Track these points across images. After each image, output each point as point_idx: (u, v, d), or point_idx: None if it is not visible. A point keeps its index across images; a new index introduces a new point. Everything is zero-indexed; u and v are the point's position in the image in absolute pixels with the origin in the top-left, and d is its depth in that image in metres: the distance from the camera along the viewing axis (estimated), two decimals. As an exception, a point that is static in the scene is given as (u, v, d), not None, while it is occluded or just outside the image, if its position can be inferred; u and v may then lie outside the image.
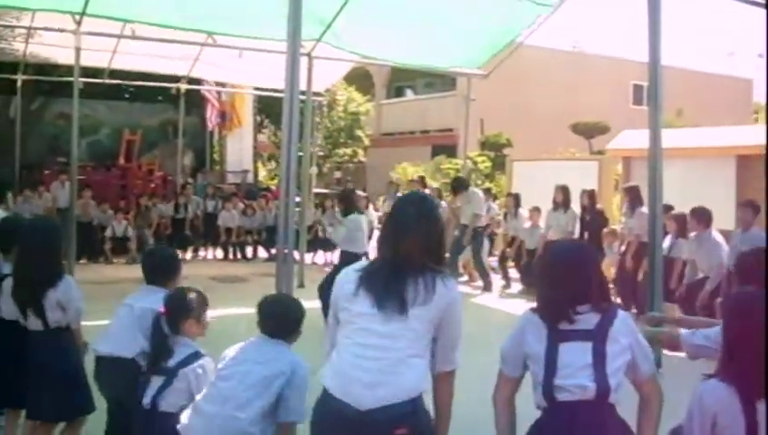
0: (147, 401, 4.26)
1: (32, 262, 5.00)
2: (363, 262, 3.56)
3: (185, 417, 3.94)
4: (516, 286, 14.30)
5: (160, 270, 4.94)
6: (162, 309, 4.32)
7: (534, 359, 3.38)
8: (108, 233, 16.90)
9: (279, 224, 5.19)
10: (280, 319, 4.06)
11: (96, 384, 4.93)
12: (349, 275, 3.46)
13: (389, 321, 3.27)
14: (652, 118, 7.44)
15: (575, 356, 3.30)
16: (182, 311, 4.33)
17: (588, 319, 3.36)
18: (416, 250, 3.37)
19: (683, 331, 3.94)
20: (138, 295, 4.88)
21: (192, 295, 4.40)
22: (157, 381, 4.26)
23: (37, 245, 5.05)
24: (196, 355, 4.28)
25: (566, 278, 3.43)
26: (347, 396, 3.24)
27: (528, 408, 3.44)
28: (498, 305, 12.55)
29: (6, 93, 22.00)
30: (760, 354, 3.17)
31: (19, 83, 18.93)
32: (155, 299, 4.55)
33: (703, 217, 9.94)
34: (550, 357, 3.32)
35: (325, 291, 10.10)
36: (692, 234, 10.14)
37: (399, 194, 15.23)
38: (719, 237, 9.93)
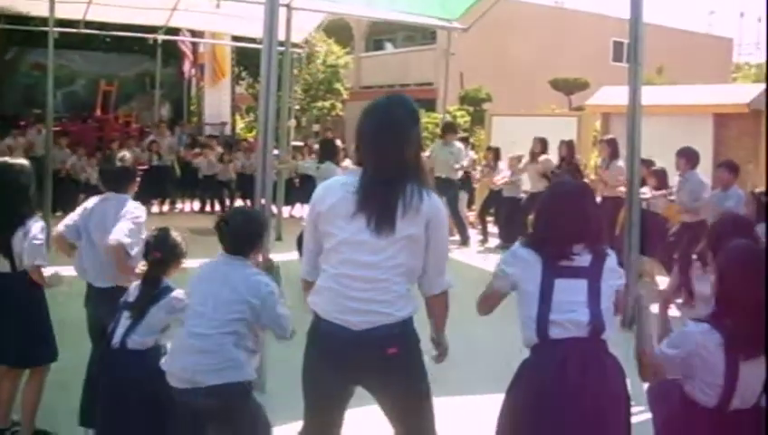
0: (116, 340, 4.28)
1: (0, 203, 4.95)
2: (344, 178, 3.50)
3: (169, 348, 3.95)
4: (494, 241, 14.32)
5: (115, 175, 5.00)
6: (156, 254, 4.30)
7: (526, 295, 3.41)
8: (83, 178, 16.67)
9: (257, 176, 5.15)
10: (240, 235, 4.00)
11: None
12: (335, 192, 3.42)
13: (379, 242, 3.29)
14: (632, 74, 7.42)
15: (570, 292, 3.35)
16: (174, 256, 4.36)
17: (582, 257, 3.40)
18: (411, 159, 3.37)
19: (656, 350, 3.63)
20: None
21: (181, 240, 4.42)
22: (126, 319, 4.29)
23: (5, 186, 4.99)
24: (167, 289, 4.32)
25: (567, 216, 3.46)
26: (340, 320, 3.34)
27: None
28: (475, 261, 12.57)
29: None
30: (752, 310, 3.20)
31: (-7, 32, 18.62)
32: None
33: (691, 156, 10.04)
34: (545, 292, 3.35)
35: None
36: (677, 174, 10.18)
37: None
38: (704, 178, 10.07)
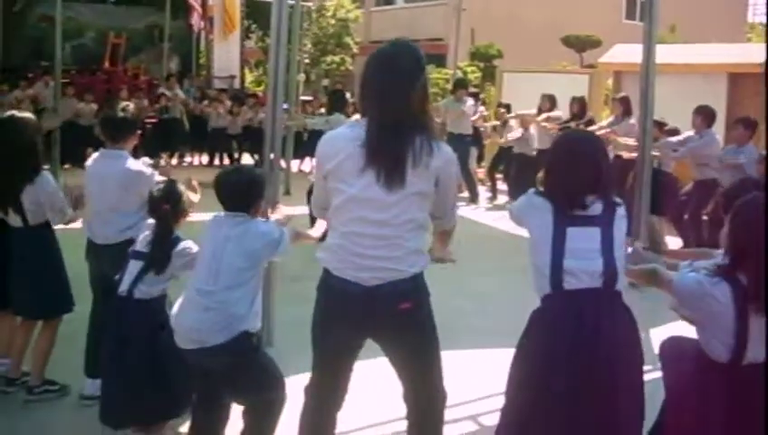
0: (123, 288, 4.28)
1: (7, 158, 4.95)
2: (349, 130, 3.42)
3: (176, 306, 3.93)
4: (503, 199, 14.27)
5: (114, 125, 4.97)
6: (165, 206, 4.29)
7: (537, 243, 3.39)
8: (92, 127, 16.60)
9: (266, 130, 5.11)
10: (237, 191, 3.98)
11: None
12: (341, 146, 3.36)
13: (389, 198, 3.27)
14: (647, 31, 7.31)
15: (584, 240, 3.33)
16: (181, 207, 4.37)
17: (593, 207, 3.39)
18: (419, 107, 3.32)
19: (675, 275, 3.50)
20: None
21: (186, 196, 4.43)
22: (134, 267, 4.29)
23: (11, 140, 4.99)
24: (178, 239, 4.32)
25: (580, 166, 3.44)
26: (351, 276, 3.34)
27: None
28: (484, 218, 12.56)
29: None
30: (763, 263, 3.17)
31: (0, -17, 18.44)
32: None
33: (708, 115, 10.05)
34: (557, 241, 3.33)
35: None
36: (692, 132, 10.12)
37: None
38: (718, 136, 10.12)
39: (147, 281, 4.27)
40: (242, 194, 3.96)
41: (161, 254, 4.26)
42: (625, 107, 11.68)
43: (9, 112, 5.27)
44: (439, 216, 3.53)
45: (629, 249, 3.73)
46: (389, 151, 3.25)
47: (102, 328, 4.68)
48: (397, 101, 3.29)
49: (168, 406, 4.25)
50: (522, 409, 3.44)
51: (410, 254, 3.37)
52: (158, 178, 4.82)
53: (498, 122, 15.04)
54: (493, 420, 4.78)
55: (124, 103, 5.19)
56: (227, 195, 3.95)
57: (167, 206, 4.28)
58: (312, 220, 10.11)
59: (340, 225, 3.38)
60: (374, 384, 4.37)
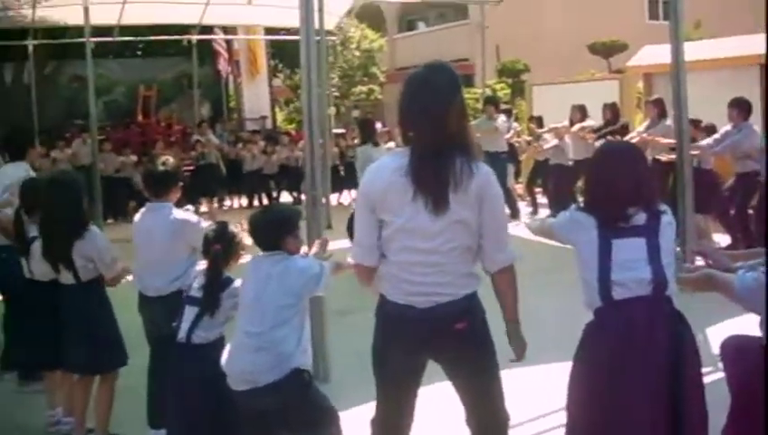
0: (181, 335, 4.32)
1: (55, 216, 5.03)
2: (391, 160, 3.43)
3: (226, 351, 3.96)
4: (544, 212, 14.20)
5: (157, 179, 5.00)
6: (216, 246, 4.31)
7: (584, 259, 3.37)
8: (133, 179, 16.83)
9: (306, 167, 5.13)
10: (266, 229, 4.01)
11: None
12: (385, 178, 3.34)
13: (434, 227, 3.26)
14: (673, 30, 7.28)
15: (630, 251, 3.30)
16: (233, 248, 4.37)
17: (637, 217, 3.35)
18: (456, 129, 3.29)
19: (733, 277, 3.34)
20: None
21: (238, 232, 4.43)
22: (190, 313, 4.33)
23: (59, 198, 5.06)
24: (229, 280, 4.33)
25: (619, 179, 3.40)
26: (405, 300, 3.36)
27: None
28: (526, 234, 12.45)
29: (19, 60, 22.01)
30: None
31: (30, 49, 18.78)
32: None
33: (743, 107, 9.91)
34: (604, 254, 3.30)
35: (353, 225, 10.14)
36: (729, 126, 10.02)
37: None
38: (756, 127, 9.97)
39: (203, 326, 4.29)
40: (273, 233, 3.99)
41: (212, 296, 4.29)
42: (659, 109, 11.57)
43: (56, 170, 5.37)
44: (484, 246, 3.39)
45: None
46: (431, 177, 3.24)
47: (161, 378, 4.73)
48: (434, 123, 3.28)
49: None
50: (587, 426, 3.40)
51: (461, 277, 3.38)
52: (205, 223, 4.87)
53: (531, 137, 14.99)
54: (558, 436, 4.78)
55: (164, 157, 5.24)
56: (260, 235, 4.00)
57: (218, 246, 4.30)
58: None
59: (391, 254, 3.39)
60: (437, 410, 4.35)
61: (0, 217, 5.78)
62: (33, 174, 6.16)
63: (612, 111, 13.04)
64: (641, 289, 3.28)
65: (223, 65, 24.34)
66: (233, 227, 4.42)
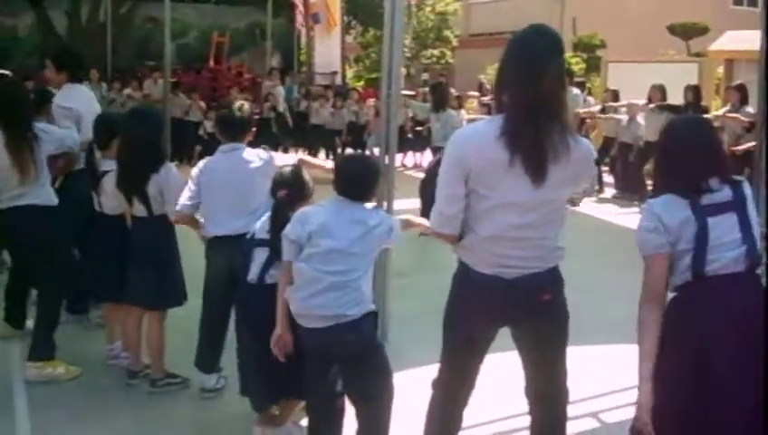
0: (252, 276, 4.34)
1: (135, 148, 5.08)
2: (483, 127, 3.32)
3: (297, 291, 3.93)
4: (610, 191, 14.01)
5: (233, 125, 5.00)
6: (283, 192, 4.31)
7: (679, 237, 3.21)
8: (201, 131, 17.01)
9: (381, 126, 5.07)
10: (359, 181, 3.96)
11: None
12: (480, 147, 3.23)
13: (533, 201, 3.22)
14: (763, 15, 7.03)
15: (725, 229, 3.20)
16: (302, 194, 4.36)
17: (723, 191, 3.24)
18: (553, 95, 3.17)
19: None
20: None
21: (309, 179, 4.41)
22: (260, 254, 4.34)
23: (139, 130, 5.12)
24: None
25: (697, 150, 3.29)
26: (491, 271, 3.32)
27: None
28: (590, 211, 12.35)
29: (96, -2, 22.28)
30: None
31: (108, -14, 18.96)
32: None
33: None
34: (701, 232, 3.18)
35: (426, 188, 10.11)
36: None
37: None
38: None
39: (276, 265, 4.30)
40: (365, 184, 3.97)
41: (277, 239, 4.29)
42: (742, 95, 11.29)
43: (135, 106, 5.42)
44: None
45: None
46: (529, 144, 3.15)
47: (223, 322, 4.76)
48: (529, 84, 3.16)
49: (300, 385, 4.21)
50: (681, 403, 3.30)
51: (551, 250, 3.35)
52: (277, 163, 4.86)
53: (603, 105, 14.64)
54: (613, 417, 4.74)
55: (239, 102, 5.25)
56: (350, 183, 3.94)
57: (284, 192, 4.29)
58: (425, 212, 10.17)
59: (482, 229, 3.31)
60: (495, 380, 4.33)
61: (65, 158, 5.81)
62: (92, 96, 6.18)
63: (695, 94, 12.77)
64: (736, 265, 3.18)
65: (300, 18, 24.32)
66: (304, 172, 4.41)
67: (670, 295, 3.32)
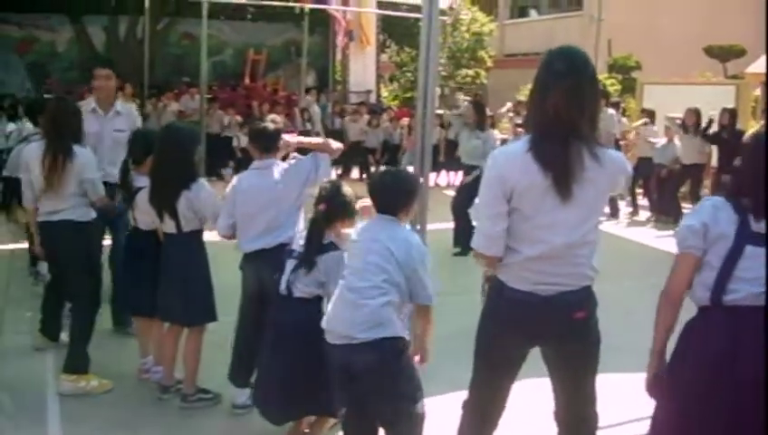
0: (283, 286, 4.35)
1: (168, 164, 5.12)
2: (524, 145, 3.29)
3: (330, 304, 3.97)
4: (645, 214, 13.90)
5: (265, 136, 4.98)
6: (321, 206, 4.32)
7: (720, 245, 3.14)
8: (234, 143, 17.11)
9: (416, 145, 5.05)
10: (391, 193, 3.95)
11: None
12: (521, 165, 3.23)
13: (570, 219, 3.23)
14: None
15: (758, 263, 3.08)
16: (341, 211, 4.35)
17: None
18: (567, 108, 3.17)
19: None
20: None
21: (352, 197, 4.40)
22: (290, 265, 4.36)
23: (173, 147, 5.16)
24: (331, 246, 4.34)
25: None
26: (527, 287, 3.32)
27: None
28: (625, 233, 12.26)
29: (135, 14, 22.49)
30: None
31: (147, 3, 19.17)
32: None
33: None
34: (733, 255, 3.11)
35: (461, 207, 10.11)
36: None
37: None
38: None
39: (302, 280, 4.31)
40: (400, 198, 3.95)
41: (308, 254, 4.30)
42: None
43: (171, 121, 5.47)
44: None
45: None
46: (556, 165, 3.18)
47: (257, 336, 4.79)
48: (541, 107, 3.23)
49: (327, 402, 4.24)
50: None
51: (585, 269, 3.34)
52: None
53: (641, 122, 14.50)
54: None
55: (272, 116, 5.28)
56: (384, 195, 3.94)
57: (322, 206, 4.30)
58: (456, 237, 10.17)
59: (525, 249, 3.31)
60: (523, 405, 4.29)
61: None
62: (89, 107, 6.25)
63: (731, 117, 12.69)
64: (755, 301, 3.10)
65: (341, 35, 24.36)
66: (346, 189, 4.40)
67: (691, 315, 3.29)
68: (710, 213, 3.18)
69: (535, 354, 3.54)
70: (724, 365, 3.09)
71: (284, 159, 4.99)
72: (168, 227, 5.17)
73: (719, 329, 3.14)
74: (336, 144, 5.11)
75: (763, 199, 3.09)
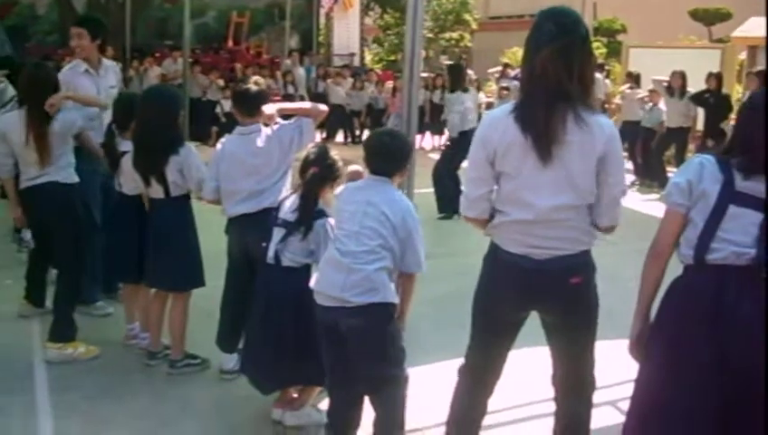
0: (270, 254, 4.32)
1: (151, 128, 5.05)
2: (509, 108, 3.31)
3: (317, 271, 3.95)
4: (629, 177, 13.88)
5: (248, 98, 4.91)
6: (313, 169, 4.26)
7: (702, 202, 3.11)
8: (218, 110, 17.00)
9: (402, 108, 5.03)
10: (387, 154, 3.94)
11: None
12: (504, 128, 3.23)
13: (555, 183, 3.20)
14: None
15: (741, 224, 3.05)
16: (331, 173, 4.31)
17: (762, 186, 3.04)
18: (554, 69, 3.13)
19: None
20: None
21: (338, 159, 4.36)
22: (279, 235, 4.31)
23: (156, 111, 5.09)
24: (321, 213, 4.30)
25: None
26: (521, 251, 3.31)
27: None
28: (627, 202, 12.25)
29: (115, -23, 22.26)
30: None
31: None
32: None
33: None
34: (716, 214, 3.08)
35: (440, 174, 10.09)
36: None
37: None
38: None
39: (291, 248, 4.27)
40: (395, 161, 3.94)
41: (304, 220, 4.24)
42: (763, 81, 11.21)
43: (155, 84, 5.40)
44: (599, 202, 3.29)
45: None
46: (536, 125, 3.16)
47: (244, 301, 4.78)
48: (531, 69, 3.21)
49: (315, 372, 4.22)
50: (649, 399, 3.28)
51: (582, 233, 3.32)
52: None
53: (626, 86, 14.45)
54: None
55: (255, 78, 5.22)
56: (380, 158, 3.92)
57: (315, 169, 4.25)
58: (439, 201, 10.18)
59: (510, 210, 3.31)
60: (520, 370, 4.30)
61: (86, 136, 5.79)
62: (79, 68, 6.10)
63: (717, 81, 12.69)
64: (737, 259, 3.05)
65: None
66: (333, 152, 4.37)
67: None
68: (696, 170, 3.15)
69: (533, 319, 3.54)
70: (705, 323, 3.07)
71: (267, 125, 4.93)
72: (155, 192, 5.11)
73: (701, 287, 3.12)
74: (321, 106, 5.06)
75: (752, 158, 3.06)
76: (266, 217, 4.52)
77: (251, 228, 4.74)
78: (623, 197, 3.36)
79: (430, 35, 28.76)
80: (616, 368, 4.22)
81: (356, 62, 25.47)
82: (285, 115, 4.98)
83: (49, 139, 5.27)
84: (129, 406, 4.80)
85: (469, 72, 18.67)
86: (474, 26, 33.07)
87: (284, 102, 6.01)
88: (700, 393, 3.08)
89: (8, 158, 5.41)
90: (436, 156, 12.55)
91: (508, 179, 3.29)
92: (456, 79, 10.57)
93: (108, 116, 5.78)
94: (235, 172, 4.86)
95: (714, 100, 12.62)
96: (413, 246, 3.84)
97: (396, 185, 3.97)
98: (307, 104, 5.05)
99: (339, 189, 4.11)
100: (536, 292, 3.35)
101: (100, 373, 5.21)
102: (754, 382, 3.01)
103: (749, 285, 3.06)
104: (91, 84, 6.10)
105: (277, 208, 4.46)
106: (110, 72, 6.42)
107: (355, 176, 4.23)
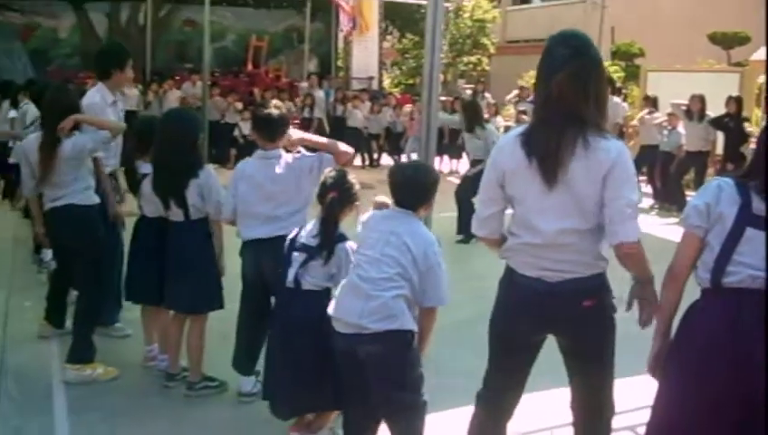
0: (290, 278, 4.31)
1: (171, 151, 5.08)
2: (517, 130, 3.38)
3: (335, 297, 3.96)
4: (648, 201, 13.84)
5: (268, 123, 4.90)
6: (332, 194, 4.25)
7: (719, 226, 3.10)
8: (236, 132, 17.07)
9: (421, 132, 5.04)
10: (412, 187, 3.95)
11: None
12: (514, 152, 3.28)
13: (565, 208, 3.20)
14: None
15: (757, 247, 3.03)
16: (349, 197, 4.31)
17: None
18: (571, 92, 3.15)
19: None
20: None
21: (356, 183, 4.36)
22: (299, 258, 4.31)
23: (176, 134, 5.12)
24: (341, 236, 4.31)
25: None
26: (534, 274, 3.32)
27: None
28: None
29: (137, 0, 22.45)
30: None
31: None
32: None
33: None
34: (732, 237, 3.07)
35: (464, 195, 10.09)
36: None
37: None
38: None
39: (313, 272, 4.27)
40: (422, 194, 3.95)
41: (326, 244, 4.24)
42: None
43: (176, 107, 5.43)
44: (617, 220, 3.21)
45: None
46: (541, 147, 3.19)
47: (259, 324, 4.78)
48: (542, 93, 3.27)
49: (332, 398, 4.22)
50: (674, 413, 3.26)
51: (592, 256, 3.31)
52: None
53: (645, 111, 14.40)
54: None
55: (275, 102, 5.24)
56: (401, 188, 3.93)
57: (334, 193, 4.24)
58: (460, 223, 10.19)
59: (521, 233, 3.35)
60: (538, 395, 4.28)
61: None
62: (108, 99, 6.09)
63: (737, 105, 12.66)
64: (753, 283, 3.05)
65: (345, 20, 24.25)
66: (351, 176, 4.37)
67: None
68: (714, 193, 3.15)
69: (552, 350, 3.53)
70: (722, 346, 3.06)
71: (288, 150, 4.95)
72: (175, 215, 5.14)
73: (718, 311, 3.11)
74: (345, 147, 4.93)
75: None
76: (281, 244, 4.51)
77: (265, 253, 4.77)
78: (632, 211, 3.23)
79: (446, 60, 28.78)
80: (635, 392, 4.21)
81: (374, 85, 25.55)
82: (308, 147, 4.99)
83: (55, 161, 5.31)
84: (148, 428, 4.81)
85: (487, 95, 18.73)
86: (491, 50, 33.10)
87: (310, 133, 6.01)
88: (716, 416, 3.07)
89: (31, 178, 5.50)
90: (454, 179, 12.55)
91: (517, 203, 3.34)
92: (473, 116, 10.50)
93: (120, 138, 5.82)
94: (252, 196, 4.88)
95: (733, 124, 12.58)
96: (434, 279, 3.84)
97: (421, 217, 3.98)
98: (333, 142, 5.00)
99: (365, 216, 4.11)
100: (549, 314, 3.35)
101: (118, 395, 5.22)
102: None
103: (765, 308, 3.04)
104: (113, 111, 6.15)
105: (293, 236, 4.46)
106: (118, 96, 6.46)
107: (382, 207, 4.23)
